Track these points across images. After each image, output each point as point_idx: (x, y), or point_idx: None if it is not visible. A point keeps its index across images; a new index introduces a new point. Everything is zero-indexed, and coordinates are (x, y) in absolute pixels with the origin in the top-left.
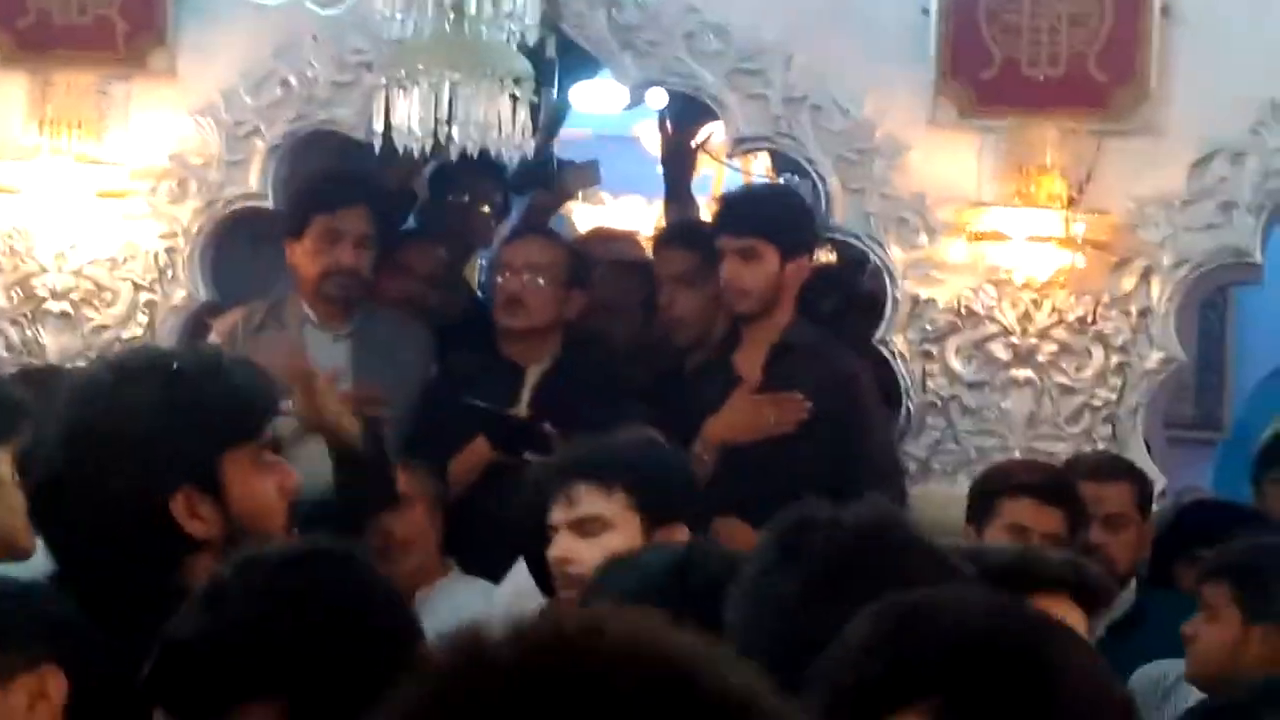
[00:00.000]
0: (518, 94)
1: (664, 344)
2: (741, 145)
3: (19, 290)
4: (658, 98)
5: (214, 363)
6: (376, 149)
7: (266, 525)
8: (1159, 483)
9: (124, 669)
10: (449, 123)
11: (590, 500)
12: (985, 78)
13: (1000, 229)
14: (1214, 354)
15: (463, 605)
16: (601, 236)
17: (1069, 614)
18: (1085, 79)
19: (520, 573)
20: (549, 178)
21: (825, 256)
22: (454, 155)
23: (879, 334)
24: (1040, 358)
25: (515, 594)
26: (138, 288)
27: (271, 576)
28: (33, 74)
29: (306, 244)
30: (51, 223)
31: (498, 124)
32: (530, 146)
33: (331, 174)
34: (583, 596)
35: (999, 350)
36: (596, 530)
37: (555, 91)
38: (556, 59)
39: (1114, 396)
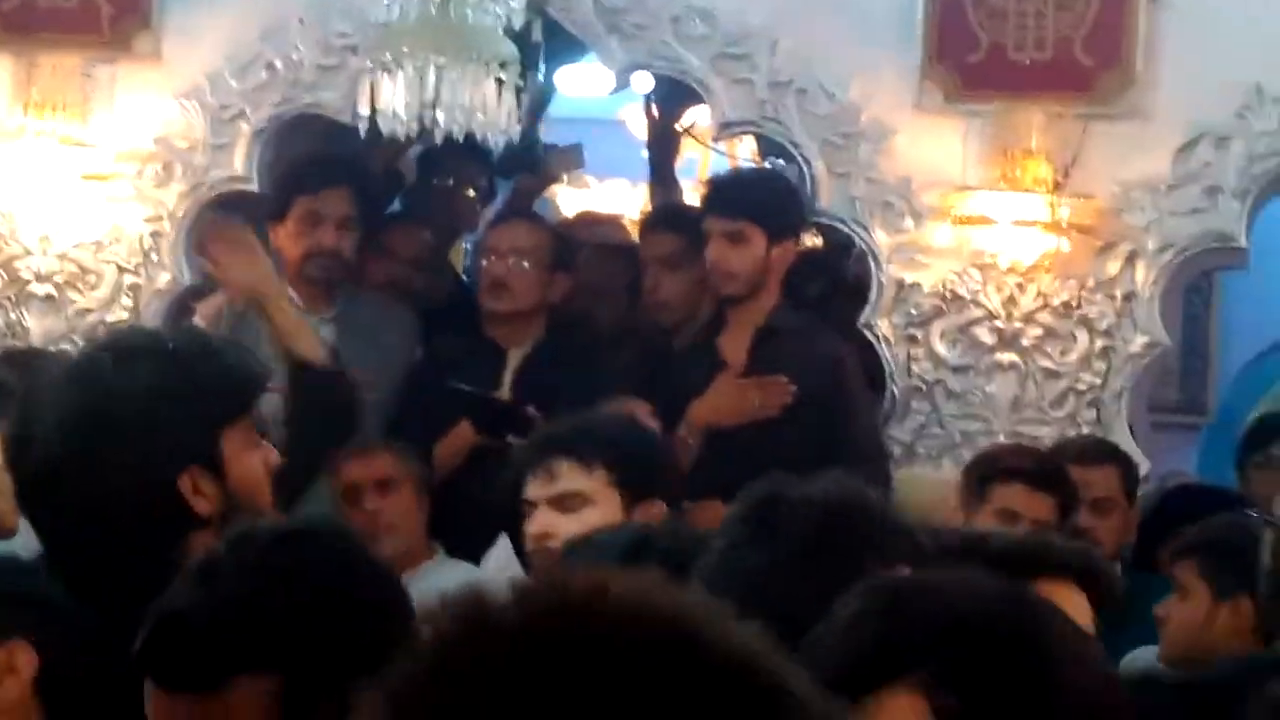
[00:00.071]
0: (503, 78)
1: (648, 327)
2: (727, 129)
3: (3, 273)
4: (643, 81)
5: (204, 341)
6: (362, 133)
7: (257, 501)
8: (1143, 467)
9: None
10: (434, 106)
11: (570, 476)
12: (971, 62)
13: (986, 213)
14: (1198, 339)
15: (448, 588)
16: (586, 220)
17: (1074, 601)
18: (1071, 63)
19: (503, 549)
20: (534, 161)
21: (811, 241)
22: (439, 139)
23: (864, 318)
24: (1025, 342)
25: (498, 570)
26: (122, 271)
27: (265, 552)
28: (17, 56)
29: (289, 226)
30: (36, 205)
31: (483, 108)
32: (516, 130)
33: (314, 156)
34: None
35: (984, 334)
36: (576, 506)
37: (541, 75)
38: (542, 42)
39: (1098, 381)
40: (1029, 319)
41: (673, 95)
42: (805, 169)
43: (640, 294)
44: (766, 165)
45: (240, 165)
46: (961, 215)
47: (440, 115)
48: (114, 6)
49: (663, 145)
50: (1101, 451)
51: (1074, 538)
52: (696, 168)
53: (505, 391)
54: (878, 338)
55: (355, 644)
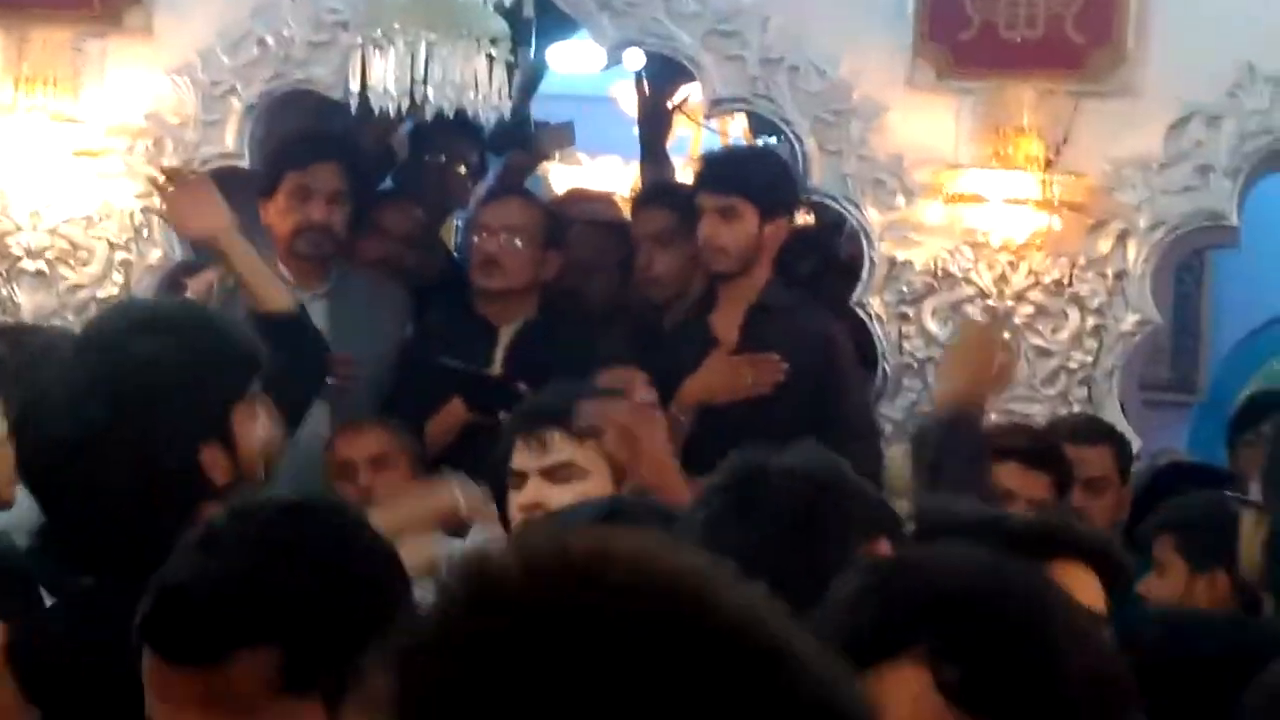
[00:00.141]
0: (494, 54)
1: (640, 304)
2: (718, 106)
3: None
4: (635, 58)
5: (210, 315)
6: (353, 109)
7: (257, 473)
8: (1135, 445)
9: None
10: (425, 82)
11: (562, 447)
12: (963, 39)
13: (977, 191)
14: (1190, 317)
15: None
16: (578, 197)
17: (1088, 583)
18: (1063, 41)
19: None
20: (526, 138)
21: (803, 219)
22: (430, 115)
23: (855, 296)
24: (1016, 320)
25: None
26: (113, 247)
27: (267, 526)
28: (8, 31)
29: (279, 201)
30: (26, 181)
31: (474, 84)
32: (507, 107)
33: (304, 132)
34: None
35: (975, 312)
36: (568, 477)
37: (532, 52)
38: (534, 19)
39: (1090, 359)
40: (1020, 297)
41: (664, 72)
42: (796, 146)
43: (632, 271)
44: (759, 143)
45: (231, 141)
46: (953, 193)
47: (430, 91)
48: None
49: (654, 122)
50: (1096, 430)
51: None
52: (688, 145)
53: (497, 368)
54: (869, 315)
55: (356, 618)
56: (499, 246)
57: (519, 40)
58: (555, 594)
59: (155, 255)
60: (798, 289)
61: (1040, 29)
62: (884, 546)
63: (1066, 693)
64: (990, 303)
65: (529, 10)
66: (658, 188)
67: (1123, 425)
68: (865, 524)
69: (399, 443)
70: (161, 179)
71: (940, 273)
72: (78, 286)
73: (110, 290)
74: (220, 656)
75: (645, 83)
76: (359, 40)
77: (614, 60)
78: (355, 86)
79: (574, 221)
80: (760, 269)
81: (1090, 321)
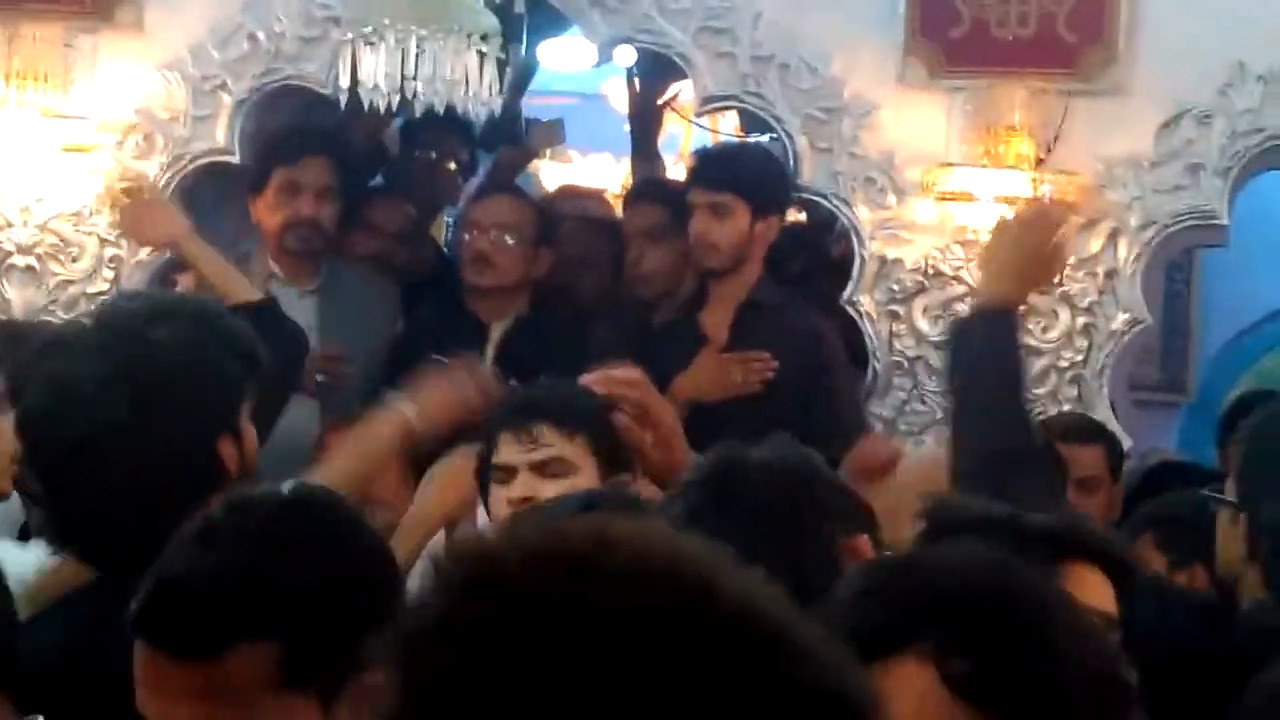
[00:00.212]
0: (485, 50)
1: (630, 301)
2: (710, 104)
3: None
4: (626, 55)
5: (216, 308)
6: (342, 104)
7: (252, 466)
8: (1125, 444)
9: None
10: (415, 78)
11: (554, 442)
12: (954, 37)
13: (968, 189)
14: (1180, 317)
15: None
16: (569, 194)
17: (1099, 585)
18: (1054, 39)
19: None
20: (517, 135)
21: (794, 217)
22: (420, 111)
23: (846, 294)
24: None
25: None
26: (103, 242)
27: (266, 520)
28: None
29: (268, 197)
30: (16, 176)
31: (464, 80)
32: (497, 103)
33: (292, 127)
34: None
35: (966, 310)
36: (559, 472)
37: (524, 48)
38: (525, 15)
39: (1080, 358)
40: None
41: (655, 69)
42: (787, 144)
43: (622, 268)
44: (750, 140)
45: (222, 137)
46: (944, 191)
47: (421, 87)
48: None
49: (645, 119)
50: (1088, 430)
51: None
52: (679, 142)
53: (488, 365)
54: (860, 314)
55: (353, 613)
56: (490, 244)
57: (510, 37)
58: (556, 580)
59: (145, 251)
60: (788, 287)
61: (1032, 27)
62: (864, 543)
63: (1069, 688)
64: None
65: (521, 6)
66: (650, 184)
67: (1113, 425)
68: (843, 518)
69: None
70: (117, 190)
71: (931, 271)
72: (68, 282)
73: (100, 286)
74: (217, 650)
75: (636, 80)
76: (348, 36)
77: (605, 57)
78: (345, 82)
79: (565, 218)
80: (751, 267)
81: (1080, 320)
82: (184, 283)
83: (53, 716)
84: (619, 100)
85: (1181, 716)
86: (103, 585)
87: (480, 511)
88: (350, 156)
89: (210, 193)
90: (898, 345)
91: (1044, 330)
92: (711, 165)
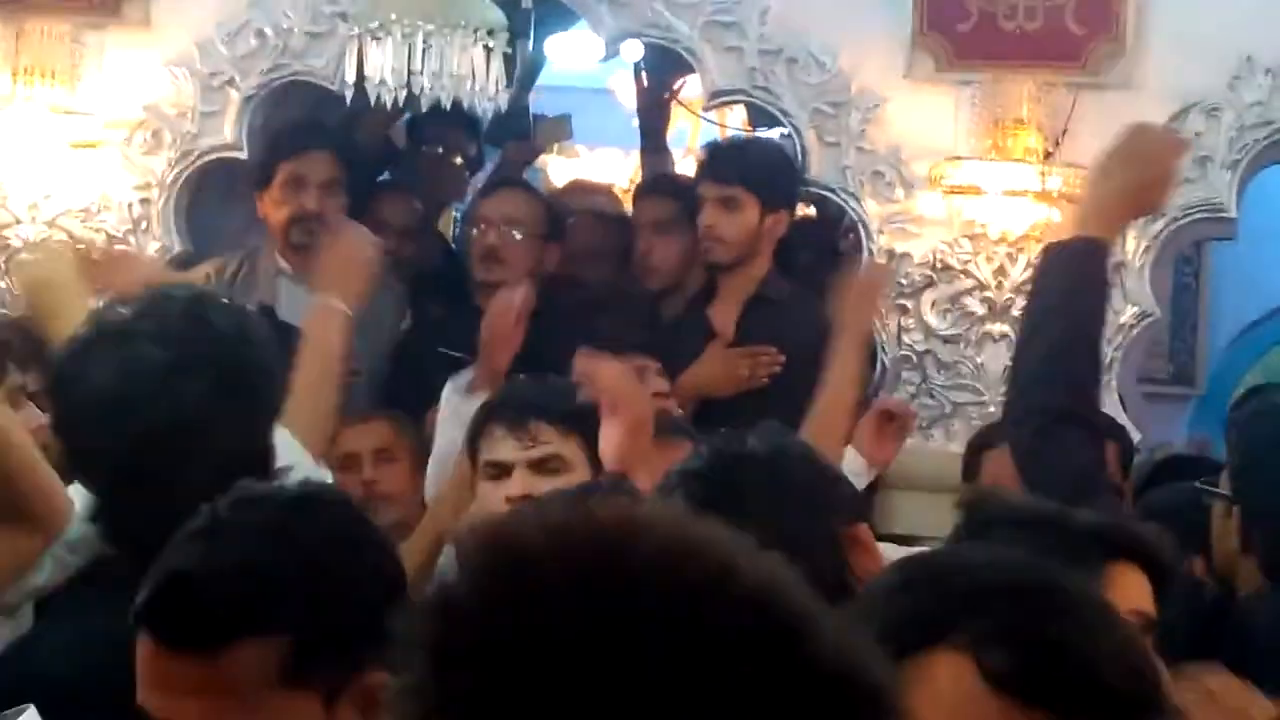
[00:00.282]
0: (491, 45)
1: (639, 295)
2: (717, 98)
3: None
4: (633, 50)
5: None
6: (348, 100)
7: None
8: (1135, 438)
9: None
10: (422, 73)
11: (551, 440)
12: (962, 31)
13: (976, 183)
14: (1189, 310)
15: (447, 558)
16: (579, 189)
17: (1140, 586)
18: (1062, 32)
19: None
20: (525, 130)
21: (804, 211)
22: (426, 106)
23: None
24: (1015, 312)
25: None
26: (112, 239)
27: (273, 515)
28: (6, 23)
29: (273, 192)
30: (25, 173)
31: (471, 75)
32: (504, 98)
33: (295, 121)
34: None
35: (974, 304)
36: (556, 469)
37: (531, 43)
38: (532, 10)
39: None
40: (1019, 289)
41: (663, 64)
42: (795, 138)
43: (631, 263)
44: (761, 135)
45: (230, 133)
46: (952, 185)
47: (427, 82)
48: None
49: (653, 114)
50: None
51: None
52: (687, 137)
53: None
54: None
55: (358, 611)
56: (499, 239)
57: (517, 32)
58: (582, 558)
59: (153, 248)
60: (796, 281)
61: (1039, 21)
62: (865, 531)
63: (1106, 680)
64: (989, 294)
65: (527, 1)
66: (660, 177)
67: (1122, 418)
68: (841, 506)
69: (403, 437)
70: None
71: (939, 265)
72: None
73: None
74: (220, 645)
75: (644, 74)
76: (355, 30)
77: (612, 52)
78: (351, 77)
79: (574, 212)
80: (760, 261)
81: None
82: (190, 279)
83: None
84: (626, 95)
85: None
86: None
87: None
88: (355, 150)
89: (218, 189)
90: (906, 339)
91: None
92: (721, 159)
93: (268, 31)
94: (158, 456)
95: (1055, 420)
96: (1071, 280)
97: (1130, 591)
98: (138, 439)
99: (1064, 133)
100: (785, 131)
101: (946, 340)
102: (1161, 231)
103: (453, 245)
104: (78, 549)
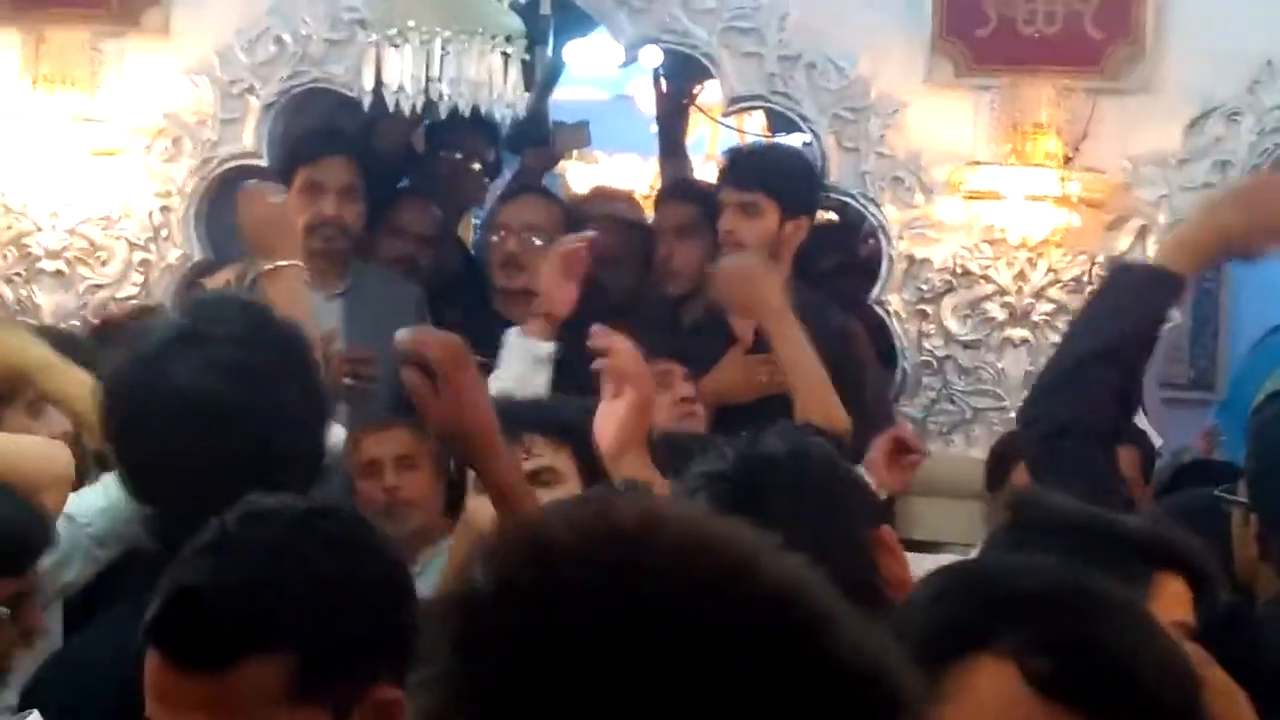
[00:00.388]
0: (509, 51)
1: (659, 300)
2: (736, 104)
3: (13, 249)
4: (652, 56)
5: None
6: (366, 106)
7: None
8: (1156, 444)
9: None
10: (440, 80)
11: (545, 453)
12: (981, 36)
13: (996, 188)
14: (1209, 315)
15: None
16: (600, 195)
17: (1181, 595)
18: (1081, 37)
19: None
20: (544, 137)
21: (824, 217)
22: (445, 113)
23: (875, 294)
24: (1036, 317)
25: None
26: (132, 246)
27: (281, 532)
28: (26, 31)
29: (292, 199)
30: (45, 181)
31: (489, 82)
32: (522, 105)
33: (313, 128)
34: None
35: (994, 310)
36: (549, 481)
37: (550, 50)
38: (551, 17)
39: None
40: (1039, 294)
41: (682, 70)
42: (815, 143)
43: (651, 269)
44: (782, 141)
45: (250, 140)
46: (972, 190)
47: (446, 89)
48: None
49: (672, 120)
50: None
51: None
52: (706, 143)
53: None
54: (888, 313)
55: (367, 626)
56: (519, 245)
57: (536, 38)
58: (605, 553)
59: (174, 255)
60: (816, 287)
61: (1059, 25)
62: (889, 534)
63: (1149, 685)
64: (1009, 299)
65: (547, 8)
66: (682, 182)
67: (1143, 424)
68: (864, 510)
69: (424, 443)
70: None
71: (959, 270)
72: (97, 286)
73: (129, 290)
74: (229, 661)
75: (663, 80)
76: (374, 37)
77: (631, 58)
78: (369, 84)
79: (595, 217)
80: (780, 267)
81: None
82: (211, 287)
83: None
84: (645, 101)
85: None
86: None
87: None
88: (373, 156)
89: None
90: (926, 345)
91: None
92: (742, 164)
93: (287, 39)
94: (254, 459)
95: (1056, 434)
96: (1124, 302)
97: (1174, 602)
98: (241, 439)
99: (1083, 137)
100: (807, 140)
101: (967, 345)
102: None
103: (472, 252)
104: (106, 543)
